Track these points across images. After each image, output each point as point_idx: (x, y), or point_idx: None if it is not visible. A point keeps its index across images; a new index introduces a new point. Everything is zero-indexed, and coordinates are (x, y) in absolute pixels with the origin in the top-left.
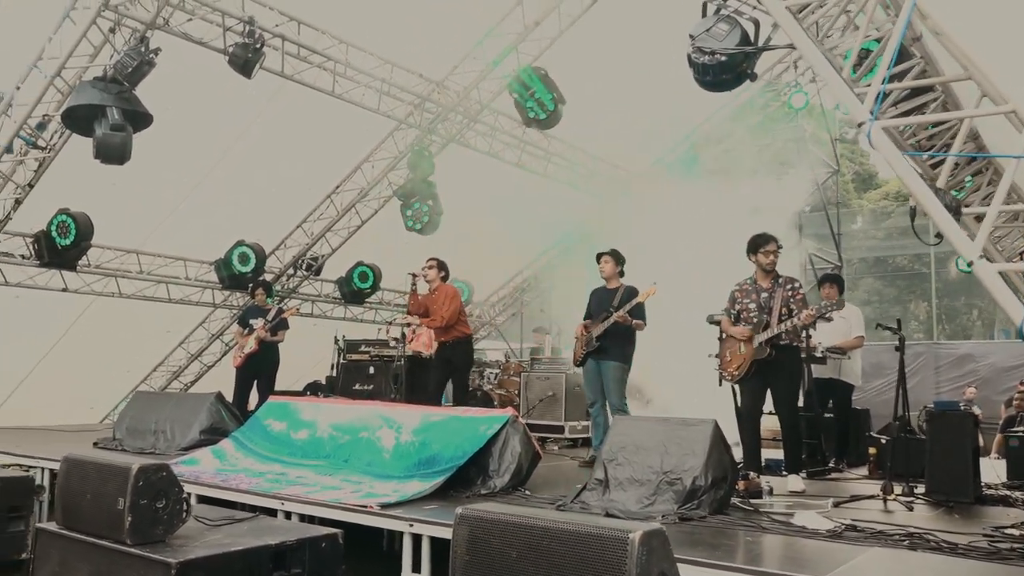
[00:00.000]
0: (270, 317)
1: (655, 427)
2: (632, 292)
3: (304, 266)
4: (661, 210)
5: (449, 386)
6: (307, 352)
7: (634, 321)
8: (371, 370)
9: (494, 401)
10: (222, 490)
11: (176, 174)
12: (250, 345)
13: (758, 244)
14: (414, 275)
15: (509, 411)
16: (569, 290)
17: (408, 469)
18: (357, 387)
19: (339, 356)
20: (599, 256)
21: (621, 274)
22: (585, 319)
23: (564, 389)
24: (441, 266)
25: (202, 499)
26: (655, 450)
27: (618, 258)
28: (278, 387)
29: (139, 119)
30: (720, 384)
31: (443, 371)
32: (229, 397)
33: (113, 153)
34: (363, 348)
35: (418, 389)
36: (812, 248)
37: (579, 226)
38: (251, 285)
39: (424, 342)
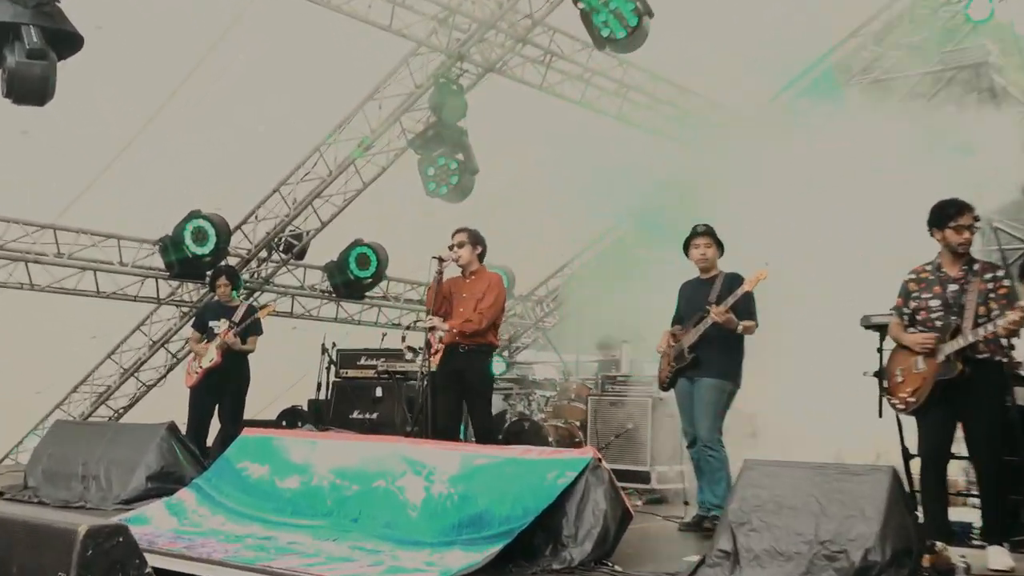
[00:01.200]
0: (237, 318)
1: (804, 477)
2: (735, 281)
3: (283, 247)
4: (781, 164)
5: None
6: (284, 366)
7: (741, 323)
8: (377, 392)
9: (548, 437)
10: (186, 561)
11: (111, 119)
12: (210, 356)
13: (947, 215)
14: (440, 259)
15: (589, 451)
16: (649, 282)
17: (446, 532)
18: (356, 415)
19: (329, 372)
20: (693, 235)
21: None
22: (673, 324)
23: (649, 420)
24: (476, 239)
25: (158, 573)
26: (806, 510)
27: (719, 241)
28: (247, 415)
29: (65, 42)
30: (881, 414)
31: (455, 391)
32: (183, 428)
33: (30, 89)
34: (364, 361)
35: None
36: (995, 219)
37: (664, 190)
38: (210, 274)
39: None
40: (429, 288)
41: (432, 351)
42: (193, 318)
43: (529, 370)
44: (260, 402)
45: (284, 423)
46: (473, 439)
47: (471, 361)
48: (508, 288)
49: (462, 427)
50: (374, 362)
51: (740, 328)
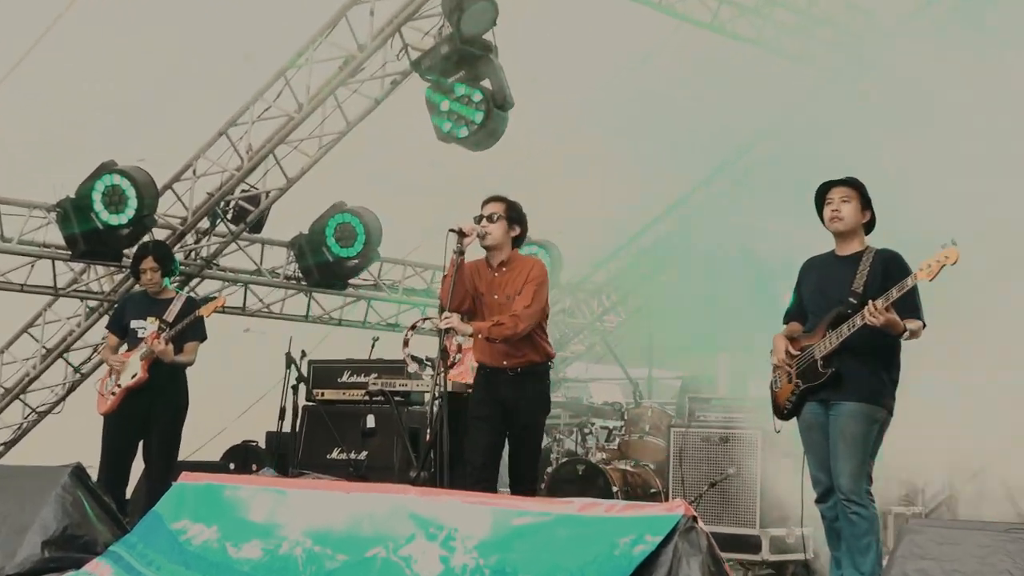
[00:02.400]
0: (171, 317)
1: (991, 544)
2: (891, 261)
3: (232, 214)
4: (952, 91)
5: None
6: (234, 385)
7: (906, 323)
8: (368, 422)
9: (613, 486)
10: None
11: None
12: (132, 372)
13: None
14: (461, 233)
15: (679, 506)
16: (758, 266)
17: None
18: (337, 455)
19: (298, 393)
20: (828, 186)
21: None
22: (787, 320)
23: (759, 462)
24: (514, 216)
25: None
26: None
27: (867, 197)
28: (183, 453)
29: None
30: None
31: (495, 425)
32: (93, 472)
33: None
34: (347, 378)
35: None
36: None
37: (777, 129)
38: (135, 253)
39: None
40: (445, 275)
41: (448, 362)
42: (107, 317)
43: (583, 390)
44: (201, 435)
45: (233, 466)
46: (507, 489)
47: (523, 388)
48: (551, 271)
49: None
50: (362, 378)
51: (904, 329)
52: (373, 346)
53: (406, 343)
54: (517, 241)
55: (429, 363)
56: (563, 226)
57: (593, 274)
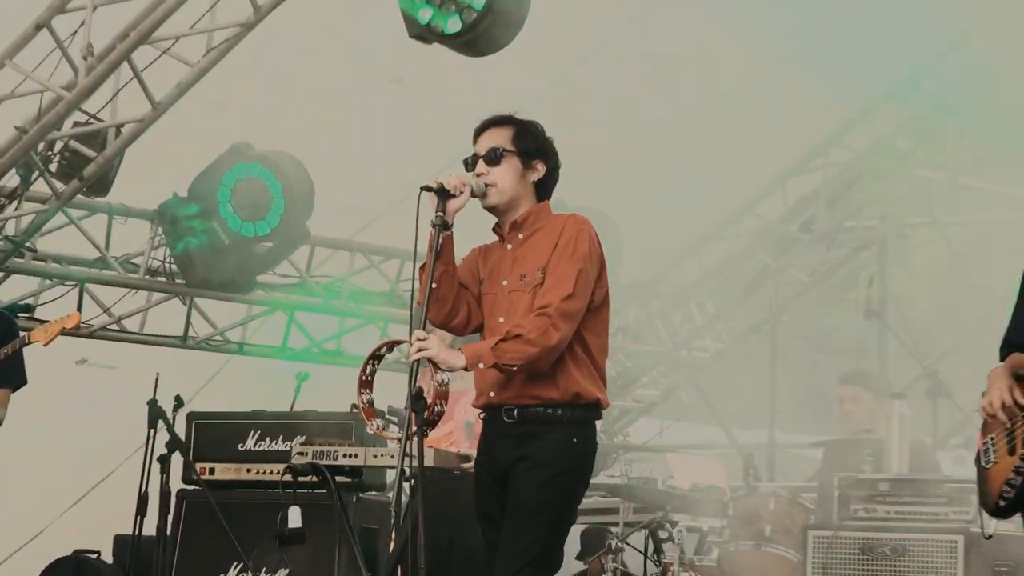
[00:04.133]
0: None
1: None
2: None
3: (58, 164)
4: None
5: None
6: (66, 455)
7: None
8: (291, 519)
9: None
10: None
11: None
12: None
13: None
14: (441, 189)
15: None
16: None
17: None
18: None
19: (168, 467)
20: None
21: None
22: (1009, 348)
23: None
24: (529, 141)
25: None
26: None
27: None
28: None
29: None
30: None
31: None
32: None
33: None
34: (253, 443)
35: None
36: None
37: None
38: None
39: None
40: (422, 265)
41: (427, 415)
42: None
43: (656, 466)
44: (7, 540)
45: None
46: None
47: (525, 444)
48: (607, 256)
49: None
50: (280, 444)
51: None
52: (299, 388)
53: (364, 384)
54: (543, 188)
55: (394, 418)
56: (621, 191)
57: (674, 269)
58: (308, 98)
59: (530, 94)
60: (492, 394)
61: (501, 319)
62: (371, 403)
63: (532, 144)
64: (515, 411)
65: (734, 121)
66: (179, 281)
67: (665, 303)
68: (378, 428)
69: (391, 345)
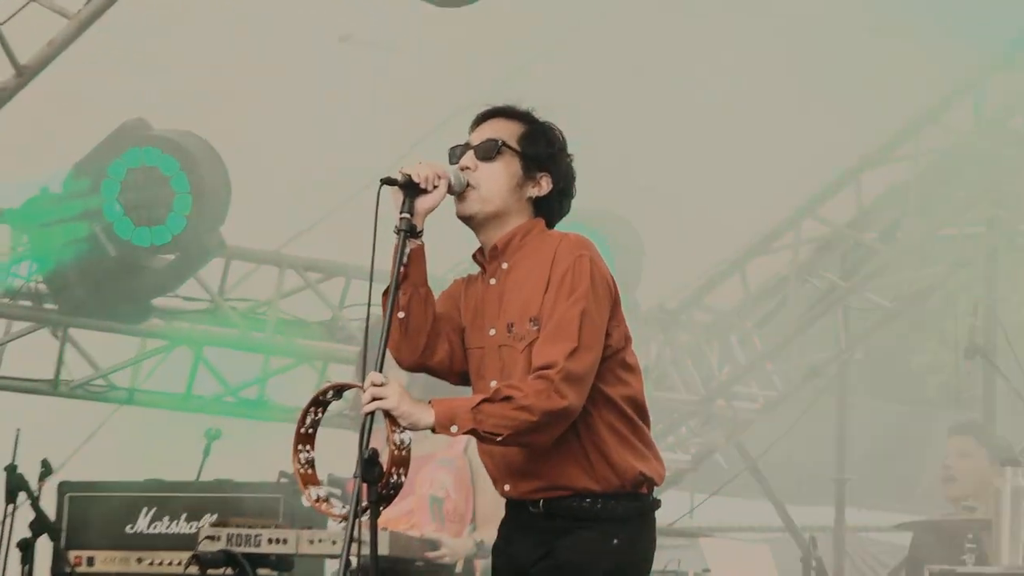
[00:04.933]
0: None
1: None
2: None
3: None
4: None
5: None
6: None
7: None
8: None
9: None
10: None
11: None
12: None
13: None
14: (408, 183)
15: None
16: None
17: None
18: None
19: (31, 555)
20: None
21: None
22: None
23: None
24: (535, 144)
25: None
26: None
27: None
28: None
29: None
30: None
31: None
32: None
33: None
34: (146, 524)
35: None
36: None
37: None
38: None
39: (451, 508)
40: (386, 289)
41: (381, 486)
42: None
43: (685, 548)
44: None
45: None
46: None
47: (571, 546)
48: (623, 277)
49: None
50: (183, 525)
51: None
52: (208, 450)
53: (304, 439)
54: (543, 210)
55: (336, 491)
56: (641, 191)
57: (710, 292)
58: (225, 64)
59: (518, 63)
60: (508, 487)
61: (493, 382)
62: (311, 464)
63: (543, 151)
64: (540, 502)
65: (788, 96)
66: (49, 306)
67: (698, 336)
68: (318, 501)
69: (339, 389)
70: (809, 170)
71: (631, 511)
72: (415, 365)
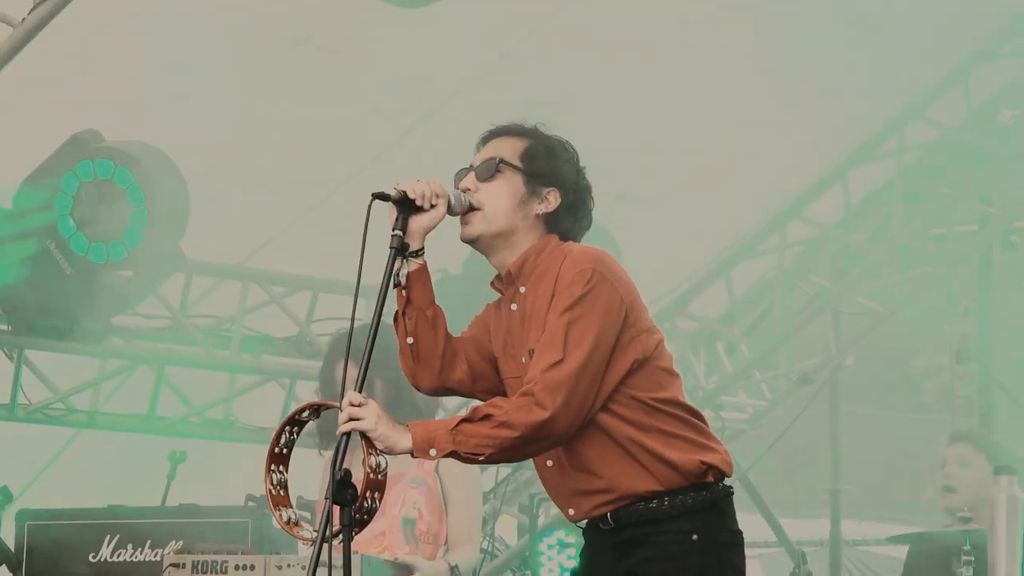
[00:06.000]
0: None
1: None
2: None
3: None
4: None
5: None
6: None
7: None
8: None
9: None
10: None
11: None
12: None
13: None
14: (404, 199)
15: None
16: None
17: None
18: None
19: None
20: None
21: None
22: None
23: None
24: (540, 162)
25: None
26: None
27: None
28: None
29: None
30: None
31: None
32: None
33: None
34: (109, 552)
35: None
36: None
37: None
38: None
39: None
40: (395, 316)
41: (356, 510)
42: None
43: None
44: None
45: None
46: None
47: (651, 555)
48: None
49: None
50: (147, 553)
51: None
52: (173, 474)
53: (277, 458)
54: (555, 226)
55: (306, 514)
56: (616, 193)
57: (694, 298)
58: (181, 69)
59: (486, 61)
60: (572, 511)
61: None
62: (283, 486)
63: (545, 165)
64: (608, 515)
65: (771, 89)
66: (3, 327)
67: (682, 345)
68: (288, 523)
69: (316, 408)
70: (792, 169)
71: (702, 502)
72: (436, 388)
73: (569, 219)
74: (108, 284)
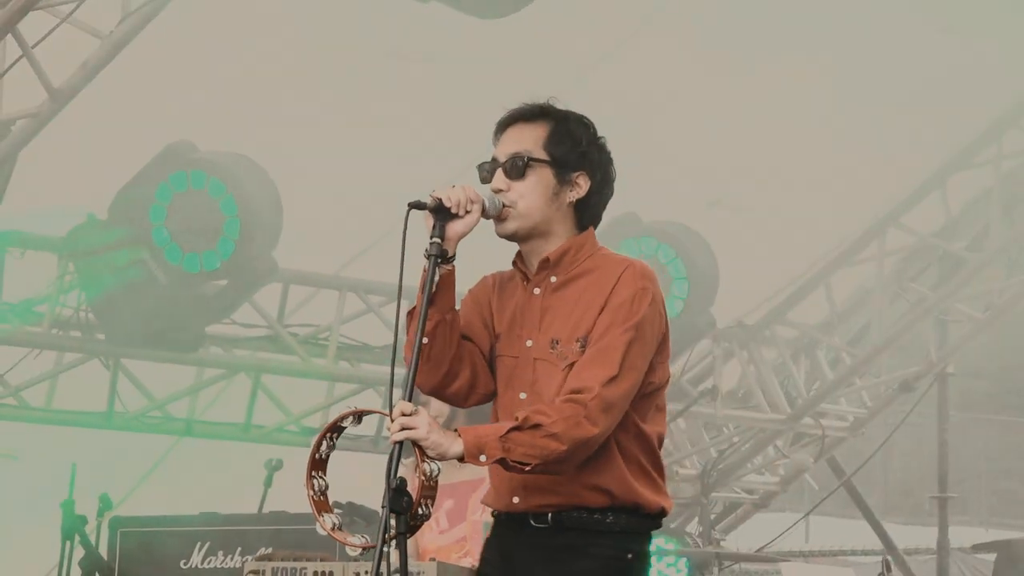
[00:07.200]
0: None
1: None
2: None
3: None
4: None
5: None
6: None
7: None
8: None
9: None
10: None
11: None
12: None
13: None
14: (439, 207)
15: None
16: None
17: None
18: None
19: None
20: None
21: None
22: None
23: None
24: (569, 146)
25: None
26: None
27: None
28: None
29: None
30: None
31: None
32: None
33: None
34: (200, 559)
35: None
36: None
37: None
38: None
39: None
40: (411, 310)
41: (411, 516)
42: None
43: None
44: None
45: None
46: None
47: (587, 567)
48: (690, 291)
49: None
50: (238, 560)
51: None
52: (269, 481)
53: (317, 464)
54: (585, 210)
55: (359, 520)
56: (711, 201)
57: (793, 307)
58: (274, 81)
59: (572, 71)
60: (517, 499)
61: (523, 395)
62: (324, 492)
63: (573, 149)
64: (549, 515)
65: (867, 96)
66: (99, 336)
67: (782, 353)
68: (333, 529)
69: (359, 415)
70: (893, 175)
71: (642, 529)
72: (433, 390)
73: (597, 199)
74: (202, 293)
